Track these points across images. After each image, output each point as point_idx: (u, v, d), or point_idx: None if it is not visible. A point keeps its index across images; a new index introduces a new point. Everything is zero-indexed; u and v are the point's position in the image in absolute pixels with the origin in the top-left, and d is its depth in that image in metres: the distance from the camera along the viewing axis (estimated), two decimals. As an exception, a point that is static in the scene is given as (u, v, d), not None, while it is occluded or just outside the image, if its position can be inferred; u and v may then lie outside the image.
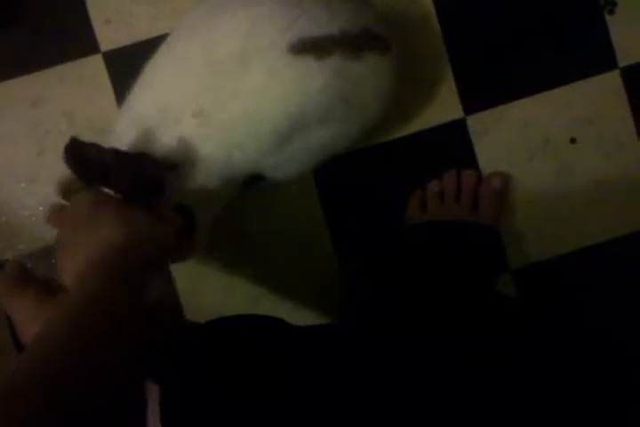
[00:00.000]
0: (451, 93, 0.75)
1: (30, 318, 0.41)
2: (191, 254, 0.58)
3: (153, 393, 0.46)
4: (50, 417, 0.31)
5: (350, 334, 0.58)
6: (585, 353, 0.54)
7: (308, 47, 0.53)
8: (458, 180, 0.74)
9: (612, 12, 0.76)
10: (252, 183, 0.67)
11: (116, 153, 0.49)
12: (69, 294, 0.41)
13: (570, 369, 0.51)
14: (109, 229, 0.44)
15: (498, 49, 0.76)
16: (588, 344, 0.56)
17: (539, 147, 0.76)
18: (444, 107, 0.75)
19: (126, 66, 0.72)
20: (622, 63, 0.76)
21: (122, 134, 0.56)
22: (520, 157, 0.76)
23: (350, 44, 0.54)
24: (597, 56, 0.76)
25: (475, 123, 0.76)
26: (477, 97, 0.76)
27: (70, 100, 0.74)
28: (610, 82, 0.76)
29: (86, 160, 0.49)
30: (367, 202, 0.76)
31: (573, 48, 0.76)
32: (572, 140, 0.76)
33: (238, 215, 0.74)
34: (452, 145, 0.76)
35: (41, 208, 0.73)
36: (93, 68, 0.73)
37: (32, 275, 0.43)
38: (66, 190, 0.53)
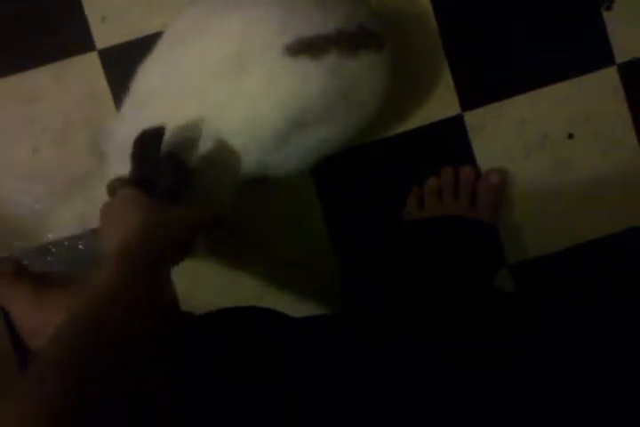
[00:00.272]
0: (448, 90, 0.75)
1: (27, 312, 0.42)
2: (196, 252, 0.59)
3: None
4: (73, 407, 0.31)
5: (348, 329, 0.58)
6: (582, 349, 0.54)
7: (304, 48, 0.53)
8: (456, 176, 0.74)
9: (609, 9, 0.76)
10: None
11: (171, 159, 0.54)
12: (92, 286, 0.41)
13: (567, 365, 0.51)
14: (130, 222, 0.47)
15: (495, 45, 0.76)
16: (585, 340, 0.56)
17: (536, 143, 0.76)
18: (441, 103, 0.75)
19: (122, 63, 0.72)
20: (620, 59, 0.76)
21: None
22: (517, 153, 0.76)
23: (346, 42, 0.54)
24: (595, 52, 0.76)
25: (472, 119, 0.76)
26: (474, 93, 0.75)
27: (66, 97, 0.73)
28: (607, 78, 0.76)
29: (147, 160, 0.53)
30: (365, 198, 0.76)
31: (571, 44, 0.76)
32: (570, 136, 0.76)
33: (237, 213, 0.74)
34: (450, 142, 0.76)
35: (37, 205, 0.73)
36: (89, 66, 0.73)
37: (27, 270, 0.44)
38: (111, 189, 0.59)
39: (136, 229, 0.45)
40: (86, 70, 0.73)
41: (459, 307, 0.61)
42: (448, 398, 0.47)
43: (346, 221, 0.76)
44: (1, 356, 0.72)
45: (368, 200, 0.76)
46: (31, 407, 0.30)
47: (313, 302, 0.75)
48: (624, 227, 0.77)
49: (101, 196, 0.60)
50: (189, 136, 0.56)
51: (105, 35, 0.73)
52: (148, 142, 0.52)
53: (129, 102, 0.62)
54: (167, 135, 0.54)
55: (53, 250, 0.73)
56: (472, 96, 0.75)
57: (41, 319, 0.43)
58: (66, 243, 0.73)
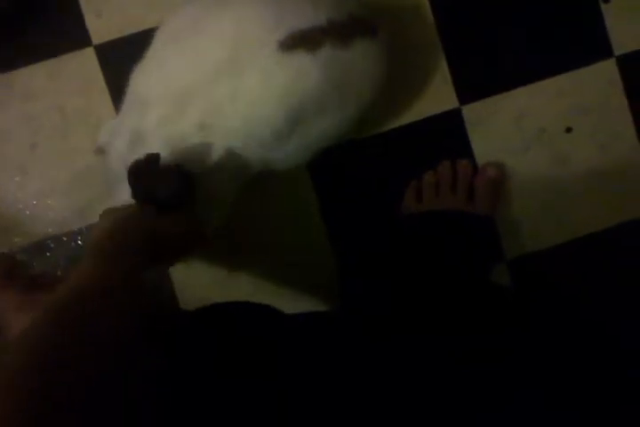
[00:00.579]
0: (445, 83, 0.75)
1: (14, 313, 0.42)
2: (198, 250, 0.59)
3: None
4: (39, 411, 0.31)
5: (344, 327, 0.58)
6: (581, 347, 0.54)
7: (298, 42, 0.53)
8: (453, 170, 0.74)
9: (607, 1, 0.75)
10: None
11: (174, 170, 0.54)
12: (63, 285, 0.41)
13: (567, 363, 0.51)
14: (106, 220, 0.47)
15: (492, 38, 0.75)
16: (584, 338, 0.56)
17: (534, 136, 0.76)
18: (438, 97, 0.75)
19: (118, 58, 0.72)
20: (618, 52, 0.76)
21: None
22: (515, 146, 0.76)
23: (339, 32, 0.54)
24: (593, 45, 0.76)
25: (470, 113, 0.75)
26: (472, 87, 0.75)
27: (62, 93, 0.73)
28: (606, 71, 0.76)
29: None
30: (363, 193, 0.76)
31: (569, 37, 0.75)
32: (568, 130, 0.76)
33: (234, 211, 0.74)
34: (447, 135, 0.76)
35: (34, 201, 0.74)
36: (85, 62, 0.73)
37: (19, 271, 0.44)
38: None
39: (110, 230, 0.46)
40: (83, 66, 0.73)
41: (457, 306, 0.61)
42: (447, 396, 0.47)
43: (343, 218, 0.76)
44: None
45: (366, 195, 0.76)
46: None
47: (310, 299, 0.75)
48: (622, 220, 0.76)
49: (100, 192, 0.60)
50: (192, 142, 0.56)
51: (101, 30, 0.73)
52: (143, 172, 0.53)
53: (126, 107, 0.62)
54: (168, 142, 0.54)
55: (52, 246, 0.73)
56: (470, 90, 0.75)
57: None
58: (64, 239, 0.73)
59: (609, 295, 0.75)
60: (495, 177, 0.74)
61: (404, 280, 0.68)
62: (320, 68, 0.54)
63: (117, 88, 0.61)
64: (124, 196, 0.54)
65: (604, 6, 0.75)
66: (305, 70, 0.54)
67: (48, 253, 0.73)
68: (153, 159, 0.52)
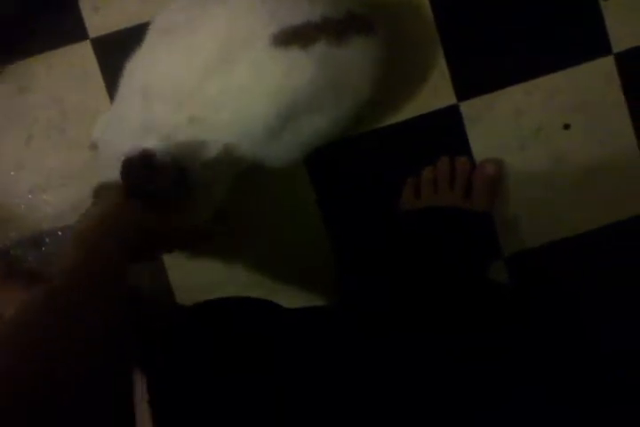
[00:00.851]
0: (443, 80, 0.75)
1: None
2: (194, 244, 0.59)
3: (140, 380, 0.45)
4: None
5: (342, 323, 0.58)
6: (580, 345, 0.54)
7: (292, 37, 0.52)
8: (451, 166, 0.74)
9: (606, -2, 0.75)
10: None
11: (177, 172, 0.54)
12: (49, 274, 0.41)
13: (566, 361, 0.51)
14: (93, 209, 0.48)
15: (491, 35, 0.75)
16: (583, 336, 0.56)
17: (532, 133, 0.76)
18: (436, 93, 0.75)
19: (115, 52, 0.71)
20: (616, 49, 0.75)
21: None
22: (513, 143, 0.76)
23: (334, 29, 0.53)
24: (591, 42, 0.76)
25: (468, 109, 0.75)
26: (470, 83, 0.75)
27: (59, 87, 0.73)
28: (604, 68, 0.76)
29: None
30: (361, 189, 0.76)
31: (567, 34, 0.75)
32: (566, 127, 0.76)
33: (231, 206, 0.74)
34: (445, 131, 0.76)
35: (30, 195, 0.73)
36: (82, 55, 0.73)
37: (19, 269, 0.44)
38: (96, 194, 0.60)
39: (93, 222, 0.46)
40: (79, 59, 0.73)
41: (455, 303, 0.61)
42: (444, 394, 0.47)
43: (341, 214, 0.75)
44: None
45: (363, 191, 0.76)
46: None
47: (308, 295, 0.75)
48: (620, 217, 0.76)
49: (95, 185, 0.60)
50: (184, 136, 0.55)
51: (98, 23, 0.73)
52: (137, 167, 0.53)
53: (118, 101, 0.61)
54: (164, 140, 0.53)
55: (47, 240, 0.73)
56: (468, 86, 0.75)
57: None
58: (60, 233, 0.73)
59: (607, 292, 0.75)
60: (493, 174, 0.74)
61: (401, 277, 0.68)
62: (314, 65, 0.54)
63: (114, 81, 0.61)
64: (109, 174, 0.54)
65: (603, 3, 0.75)
66: (298, 66, 0.53)
67: (43, 248, 0.73)
68: (148, 155, 0.52)
